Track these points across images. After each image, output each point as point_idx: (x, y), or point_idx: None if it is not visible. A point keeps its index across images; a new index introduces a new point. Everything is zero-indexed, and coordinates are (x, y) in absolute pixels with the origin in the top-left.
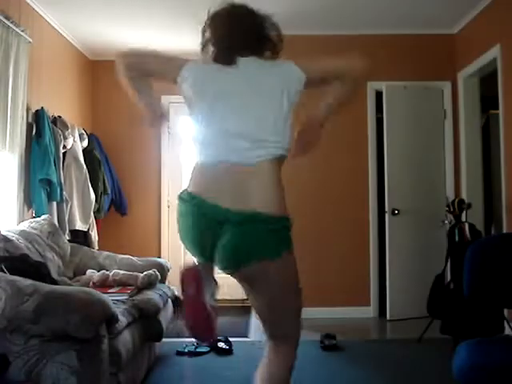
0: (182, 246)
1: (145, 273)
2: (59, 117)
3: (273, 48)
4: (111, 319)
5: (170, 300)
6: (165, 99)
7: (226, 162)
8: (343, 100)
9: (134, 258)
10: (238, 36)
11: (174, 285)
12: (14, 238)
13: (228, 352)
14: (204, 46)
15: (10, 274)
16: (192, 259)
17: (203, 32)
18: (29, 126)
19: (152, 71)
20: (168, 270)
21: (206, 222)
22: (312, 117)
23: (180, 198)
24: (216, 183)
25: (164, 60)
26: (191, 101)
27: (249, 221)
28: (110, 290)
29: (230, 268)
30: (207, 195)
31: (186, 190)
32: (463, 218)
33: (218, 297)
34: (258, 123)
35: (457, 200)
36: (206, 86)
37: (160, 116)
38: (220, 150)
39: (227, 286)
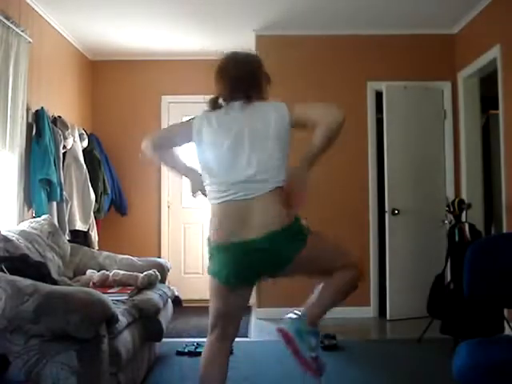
0: (182, 246)
1: (145, 273)
2: (59, 117)
3: (264, 91)
4: (111, 319)
5: (169, 300)
6: (164, 99)
7: (234, 200)
8: (322, 147)
9: (134, 258)
10: (238, 82)
11: (173, 285)
12: (14, 238)
13: None
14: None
15: (10, 274)
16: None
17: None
18: (29, 126)
19: (174, 143)
20: (168, 270)
21: (246, 257)
22: (293, 172)
23: (214, 249)
24: (232, 224)
25: (178, 130)
26: (202, 152)
27: (273, 238)
28: (109, 290)
29: (282, 272)
30: (233, 238)
31: (214, 240)
32: (463, 218)
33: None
34: (259, 167)
35: (457, 200)
36: (210, 137)
37: (199, 183)
38: (228, 193)
39: None
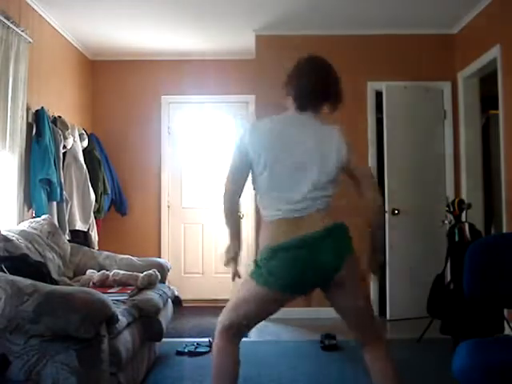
0: (182, 246)
1: (145, 273)
2: (59, 117)
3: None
4: (111, 319)
5: (169, 300)
6: (164, 99)
7: (287, 218)
8: (375, 235)
9: (134, 258)
10: (316, 88)
11: (173, 285)
12: (14, 238)
13: None
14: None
15: (10, 273)
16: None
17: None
18: (29, 126)
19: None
20: (168, 270)
21: (305, 253)
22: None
23: (271, 252)
24: (288, 229)
25: (240, 164)
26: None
27: (328, 230)
28: (109, 290)
29: (332, 280)
30: (292, 236)
31: (272, 244)
32: (463, 218)
33: (220, 296)
34: (315, 192)
35: (457, 200)
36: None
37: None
38: (285, 210)
39: (228, 285)
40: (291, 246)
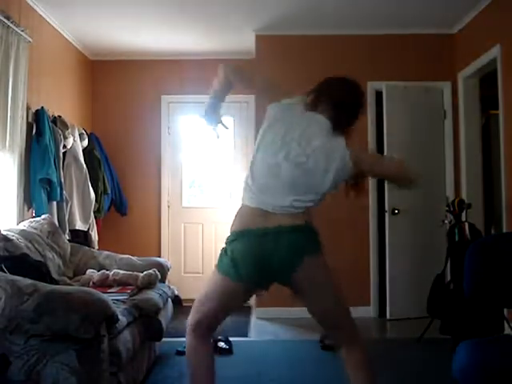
0: (182, 246)
1: (145, 272)
2: (59, 116)
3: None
4: (111, 319)
5: (169, 300)
6: (164, 99)
7: (262, 209)
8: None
9: (134, 258)
10: (340, 112)
11: (173, 284)
12: (14, 238)
13: (228, 352)
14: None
15: (10, 273)
16: None
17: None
18: (29, 126)
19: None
20: (168, 270)
21: (260, 243)
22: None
23: (230, 237)
24: (254, 218)
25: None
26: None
27: (292, 228)
28: (109, 290)
29: (290, 276)
30: (252, 226)
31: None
32: (463, 218)
33: None
34: (298, 201)
35: (457, 200)
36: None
37: (217, 115)
38: (260, 201)
39: None
40: (255, 233)
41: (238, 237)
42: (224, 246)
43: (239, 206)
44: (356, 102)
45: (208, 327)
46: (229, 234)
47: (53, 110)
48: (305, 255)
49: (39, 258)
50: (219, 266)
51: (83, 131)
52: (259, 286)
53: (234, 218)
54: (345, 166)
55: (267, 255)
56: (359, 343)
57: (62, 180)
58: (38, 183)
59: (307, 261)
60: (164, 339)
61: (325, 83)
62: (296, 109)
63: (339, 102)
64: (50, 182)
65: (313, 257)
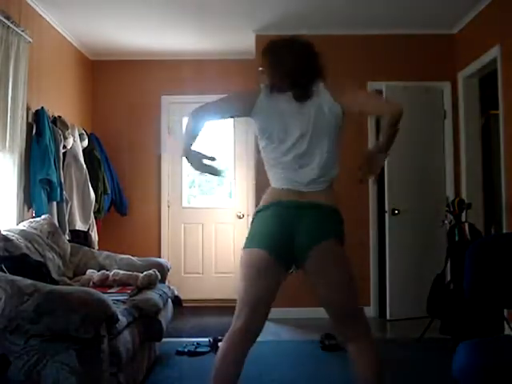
0: (182, 246)
1: (145, 273)
2: (59, 117)
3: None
4: (111, 319)
5: (169, 300)
6: (164, 99)
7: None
8: (389, 134)
9: (134, 258)
10: (295, 76)
11: (173, 285)
12: (13, 238)
13: None
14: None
15: (10, 273)
16: None
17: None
18: (29, 126)
19: (223, 113)
20: (168, 270)
21: (289, 213)
22: (371, 150)
23: (260, 210)
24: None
25: (238, 102)
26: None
27: (319, 205)
28: (109, 290)
29: (309, 254)
30: (283, 199)
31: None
32: (463, 218)
33: (220, 296)
34: (320, 170)
35: (457, 200)
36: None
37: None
38: (289, 184)
39: (228, 285)
40: (284, 205)
41: (266, 207)
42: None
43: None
44: (309, 63)
45: (247, 319)
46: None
47: (53, 110)
48: (322, 238)
49: (39, 259)
50: (247, 242)
51: (83, 131)
52: (284, 262)
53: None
54: (337, 112)
55: (291, 227)
56: (372, 340)
57: (62, 180)
58: (38, 183)
59: (324, 244)
60: (164, 339)
61: (270, 55)
62: (274, 100)
63: (291, 73)
64: (50, 182)
65: (331, 241)
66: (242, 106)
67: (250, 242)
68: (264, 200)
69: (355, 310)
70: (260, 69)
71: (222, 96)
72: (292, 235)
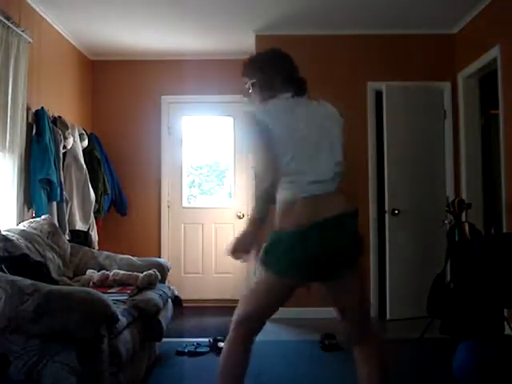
0: (182, 246)
1: (145, 273)
2: (59, 117)
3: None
4: (111, 319)
5: (169, 300)
6: (164, 99)
7: (316, 195)
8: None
9: (134, 258)
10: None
11: (173, 285)
12: (14, 238)
13: None
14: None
15: (10, 273)
16: None
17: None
18: (29, 126)
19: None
20: (168, 270)
21: (341, 233)
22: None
23: (299, 234)
24: (317, 206)
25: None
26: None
27: (354, 214)
28: (109, 290)
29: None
30: (325, 214)
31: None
32: (463, 218)
33: (220, 296)
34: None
35: (457, 200)
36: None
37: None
38: (312, 188)
39: (228, 285)
40: (324, 225)
41: (303, 235)
42: (269, 247)
43: (283, 207)
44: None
45: (252, 326)
46: (284, 235)
47: (53, 111)
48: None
49: (39, 259)
50: (272, 267)
51: (83, 131)
52: (312, 280)
53: (281, 219)
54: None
55: (336, 246)
56: (377, 341)
57: (62, 180)
58: (38, 184)
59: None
60: (164, 339)
61: (265, 66)
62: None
63: (292, 73)
64: (50, 182)
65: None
66: (270, 143)
67: (286, 268)
68: (300, 216)
69: (369, 309)
70: (249, 83)
71: (260, 159)
72: (333, 256)
